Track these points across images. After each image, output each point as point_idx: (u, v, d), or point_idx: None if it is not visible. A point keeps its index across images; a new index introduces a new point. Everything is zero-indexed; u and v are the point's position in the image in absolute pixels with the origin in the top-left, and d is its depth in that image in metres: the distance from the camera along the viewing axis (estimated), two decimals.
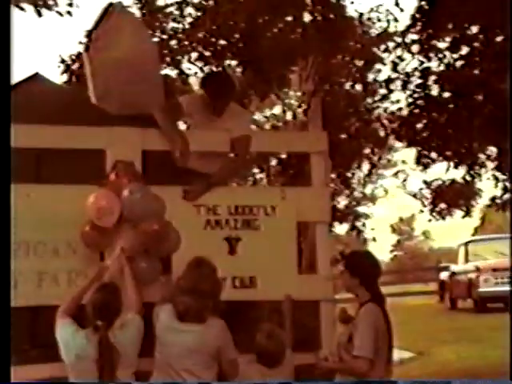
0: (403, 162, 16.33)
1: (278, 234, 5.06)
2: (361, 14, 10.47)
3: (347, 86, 10.95)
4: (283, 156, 11.64)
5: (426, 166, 10.22)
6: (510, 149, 7.75)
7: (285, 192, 5.25)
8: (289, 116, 14.99)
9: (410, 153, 10.89)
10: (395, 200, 22.97)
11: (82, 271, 4.64)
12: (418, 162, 10.02)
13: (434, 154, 9.82)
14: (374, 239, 14.47)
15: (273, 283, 4.96)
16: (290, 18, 9.41)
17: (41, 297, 4.65)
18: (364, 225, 13.84)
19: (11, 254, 4.37)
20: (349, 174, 13.08)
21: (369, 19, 10.75)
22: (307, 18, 9.43)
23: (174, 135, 4.95)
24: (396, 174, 14.76)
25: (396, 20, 10.24)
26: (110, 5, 5.94)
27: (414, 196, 12.80)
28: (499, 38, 8.08)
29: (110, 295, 4.28)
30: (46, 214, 4.67)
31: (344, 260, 4.98)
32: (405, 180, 14.26)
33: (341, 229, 15.67)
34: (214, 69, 9.47)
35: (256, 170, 13.12)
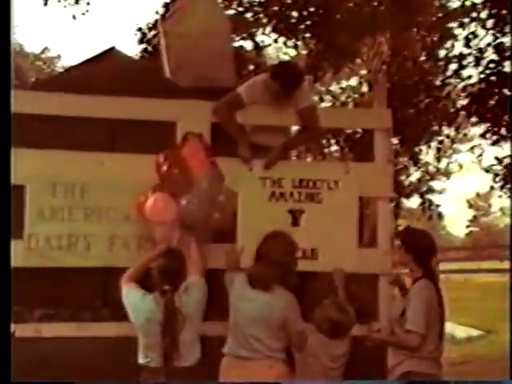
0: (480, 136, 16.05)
1: (340, 208, 5.18)
2: None
3: (419, 61, 10.81)
4: (354, 131, 11.67)
5: (495, 143, 10.10)
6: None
7: (348, 167, 5.36)
8: (365, 88, 14.92)
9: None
10: (473, 175, 22.57)
11: (150, 237, 4.81)
12: (485, 137, 9.91)
13: (503, 131, 9.68)
14: (439, 215, 14.21)
15: (333, 255, 5.09)
16: None
17: (112, 259, 4.88)
18: (430, 201, 13.61)
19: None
20: (417, 150, 12.98)
21: None
22: None
23: (236, 136, 5.12)
24: (472, 149, 14.49)
25: None
26: None
27: (487, 171, 12.62)
28: None
29: (174, 260, 4.45)
30: (119, 182, 4.87)
31: (401, 236, 5.05)
32: (480, 155, 14.03)
33: (413, 203, 15.57)
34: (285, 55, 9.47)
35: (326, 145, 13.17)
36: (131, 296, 4.43)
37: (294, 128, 5.80)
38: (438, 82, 10.83)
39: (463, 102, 10.33)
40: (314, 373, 4.62)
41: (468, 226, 59.61)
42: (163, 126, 5.10)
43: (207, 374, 4.44)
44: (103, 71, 5.32)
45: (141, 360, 4.38)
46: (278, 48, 12.08)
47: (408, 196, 14.31)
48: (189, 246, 4.64)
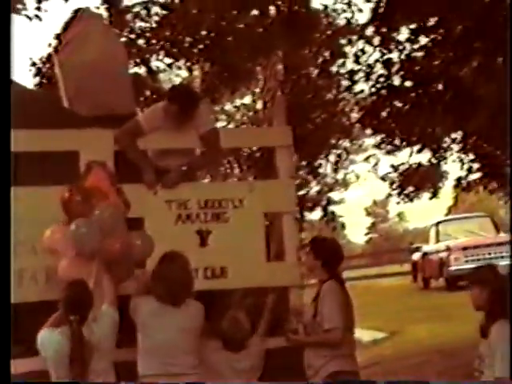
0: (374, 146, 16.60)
1: (246, 225, 5.31)
2: (325, 6, 10.64)
3: (313, 78, 11.15)
4: (254, 150, 11.88)
5: (389, 152, 10.58)
6: (510, 143, 8.03)
7: (252, 185, 5.54)
8: (259, 105, 15.18)
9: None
10: (369, 184, 23.27)
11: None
12: (379, 147, 10.36)
13: (397, 141, 10.14)
14: (342, 226, 14.62)
15: (243, 272, 5.21)
16: (255, 13, 9.58)
17: (21, 294, 4.79)
18: (333, 213, 14.00)
19: None
20: (316, 164, 13.35)
21: (334, 10, 10.91)
22: (273, 11, 9.60)
23: (139, 162, 5.19)
24: (367, 159, 14.95)
25: (360, 11, 10.42)
26: (78, 10, 6.14)
27: (383, 179, 13.09)
28: (456, 28, 8.35)
29: (78, 290, 4.39)
30: (23, 215, 4.80)
31: (310, 243, 5.18)
32: (376, 164, 14.52)
33: (315, 215, 15.91)
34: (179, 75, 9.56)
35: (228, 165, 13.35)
36: (41, 336, 4.37)
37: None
38: (331, 97, 11.20)
39: (357, 115, 10.72)
40: None
41: (367, 234, 61.17)
42: (66, 157, 5.09)
43: None
44: None
45: None
46: (170, 72, 12.17)
47: (310, 209, 14.63)
48: (98, 276, 4.62)
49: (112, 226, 4.68)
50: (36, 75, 10.07)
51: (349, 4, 10.21)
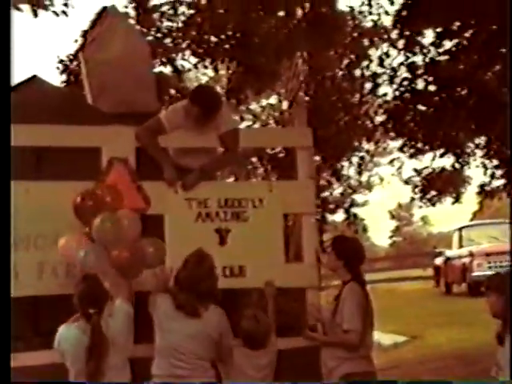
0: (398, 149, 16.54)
1: (265, 225, 5.33)
2: (352, 8, 10.65)
3: (337, 80, 11.14)
4: (278, 150, 11.90)
5: (412, 156, 10.56)
6: (510, 139, 7.98)
7: (272, 185, 5.55)
8: (284, 106, 15.18)
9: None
10: (393, 187, 23.18)
11: None
12: (403, 151, 10.35)
13: (420, 145, 10.10)
14: (364, 228, 14.59)
15: (261, 271, 5.23)
16: (281, 13, 9.60)
17: (41, 287, 4.90)
18: (355, 215, 13.96)
19: (12, 247, 4.57)
20: (339, 166, 13.34)
21: (360, 13, 10.90)
22: (299, 13, 9.62)
23: (160, 159, 5.22)
24: (391, 162, 14.92)
25: (387, 13, 10.40)
26: (105, 8, 6.22)
27: (407, 183, 13.05)
28: (482, 33, 8.32)
29: (92, 284, 4.43)
30: (45, 209, 4.89)
31: (333, 244, 5.17)
32: (400, 167, 14.47)
33: (337, 217, 15.88)
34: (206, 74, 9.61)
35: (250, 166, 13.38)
36: (59, 333, 4.41)
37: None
38: (355, 100, 11.18)
39: (380, 118, 10.72)
40: None
41: (391, 237, 60.89)
42: (88, 153, 5.16)
43: None
44: (26, 99, 5.34)
45: None
46: (196, 70, 12.23)
47: (332, 211, 14.61)
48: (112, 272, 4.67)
49: (117, 236, 4.70)
50: (63, 72, 10.18)
51: (373, 5, 10.16)
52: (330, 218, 15.25)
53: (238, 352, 4.76)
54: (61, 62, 10.22)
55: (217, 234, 5.26)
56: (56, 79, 10.17)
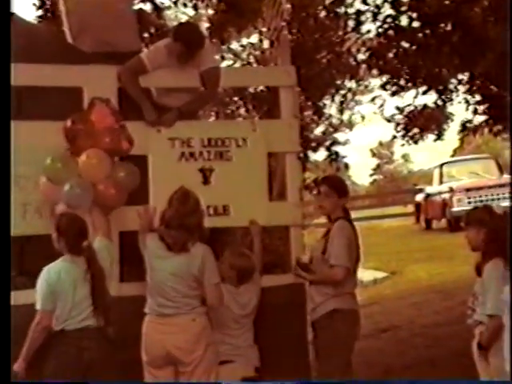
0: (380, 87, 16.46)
1: (249, 165, 5.33)
2: None
3: (320, 18, 10.99)
4: (260, 89, 11.80)
5: (394, 93, 10.54)
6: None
7: (255, 124, 5.54)
8: (266, 44, 15.01)
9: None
10: (375, 125, 23.18)
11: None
12: (385, 88, 10.33)
13: (402, 82, 10.07)
14: (346, 166, 14.64)
15: (245, 210, 5.26)
16: None
17: (25, 227, 4.89)
18: (337, 153, 13.98)
19: None
20: (321, 104, 13.29)
21: None
22: None
23: (139, 100, 5.18)
24: (373, 100, 14.87)
25: None
26: None
27: (388, 121, 13.06)
28: None
29: (74, 217, 4.51)
30: (27, 149, 4.84)
31: (327, 181, 5.26)
32: (381, 106, 14.44)
33: (319, 155, 15.90)
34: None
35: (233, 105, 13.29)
36: (43, 274, 4.45)
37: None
38: (338, 38, 11.07)
39: (363, 56, 10.64)
40: (227, 321, 4.84)
41: (372, 175, 61.28)
42: (70, 93, 5.10)
43: (133, 331, 4.58)
44: None
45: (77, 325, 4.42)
46: (176, 10, 12.02)
47: (314, 149, 14.62)
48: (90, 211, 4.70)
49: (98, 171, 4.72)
50: (39, 8, 9.93)
51: None
52: (312, 156, 15.28)
53: (223, 290, 4.80)
54: None
55: (200, 173, 5.25)
56: (32, 15, 9.92)
